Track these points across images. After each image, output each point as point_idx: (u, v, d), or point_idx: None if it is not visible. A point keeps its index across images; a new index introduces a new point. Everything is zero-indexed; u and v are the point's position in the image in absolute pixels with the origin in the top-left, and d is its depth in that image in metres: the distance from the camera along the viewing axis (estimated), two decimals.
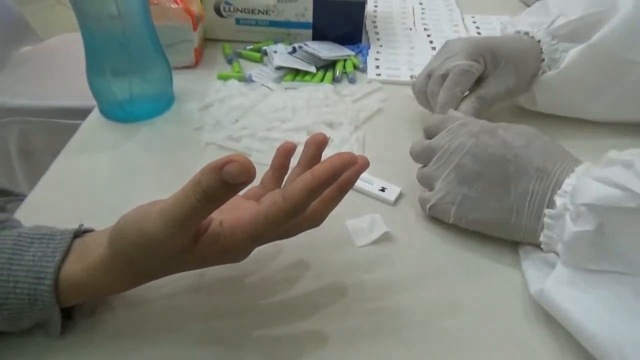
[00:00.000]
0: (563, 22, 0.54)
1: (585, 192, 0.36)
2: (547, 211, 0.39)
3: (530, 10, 0.62)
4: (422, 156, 0.47)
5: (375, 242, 0.45)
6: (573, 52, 0.54)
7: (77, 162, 0.54)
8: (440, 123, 0.47)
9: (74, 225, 0.36)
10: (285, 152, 0.42)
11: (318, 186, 0.31)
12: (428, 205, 0.45)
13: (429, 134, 0.48)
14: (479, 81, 0.55)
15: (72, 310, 0.36)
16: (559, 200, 0.39)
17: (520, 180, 0.41)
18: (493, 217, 0.42)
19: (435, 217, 0.46)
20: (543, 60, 0.56)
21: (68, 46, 1.21)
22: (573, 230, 0.36)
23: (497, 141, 0.42)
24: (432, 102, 0.55)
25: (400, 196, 0.50)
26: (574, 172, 0.40)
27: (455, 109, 0.52)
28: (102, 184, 0.52)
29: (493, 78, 0.55)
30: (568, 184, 0.39)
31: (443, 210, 0.44)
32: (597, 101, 0.57)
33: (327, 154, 0.54)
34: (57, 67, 1.13)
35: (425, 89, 0.56)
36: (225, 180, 0.28)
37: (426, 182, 0.47)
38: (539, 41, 0.56)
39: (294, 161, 0.42)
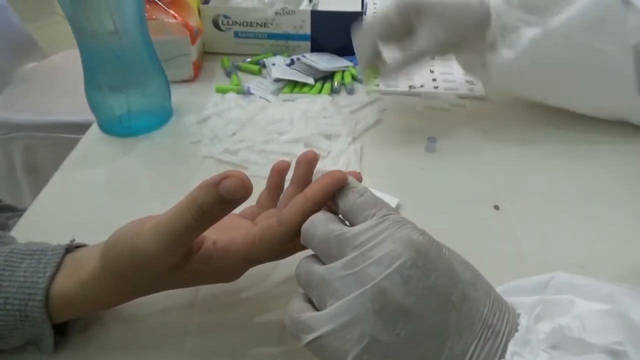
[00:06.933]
0: None
1: None
2: None
3: None
4: (324, 247, 0.29)
5: None
6: (531, 35, 0.53)
7: (75, 177, 0.55)
8: (371, 206, 0.30)
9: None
10: (279, 171, 0.41)
11: (311, 208, 0.31)
12: (310, 337, 0.27)
13: (347, 211, 0.31)
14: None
15: (66, 327, 0.36)
16: None
17: (461, 336, 0.26)
18: None
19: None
20: (492, 25, 0.56)
21: (72, 62, 1.21)
22: None
23: (443, 265, 0.27)
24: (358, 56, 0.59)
25: (397, 208, 0.50)
26: (517, 331, 0.27)
27: (373, 57, 0.53)
28: (101, 198, 0.52)
29: (422, 31, 0.55)
30: (514, 352, 0.26)
31: (334, 350, 0.27)
32: (556, 87, 0.57)
33: (325, 165, 0.55)
34: (62, 83, 1.14)
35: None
36: (221, 197, 0.28)
37: (315, 289, 0.29)
38: (489, 5, 0.56)
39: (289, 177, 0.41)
